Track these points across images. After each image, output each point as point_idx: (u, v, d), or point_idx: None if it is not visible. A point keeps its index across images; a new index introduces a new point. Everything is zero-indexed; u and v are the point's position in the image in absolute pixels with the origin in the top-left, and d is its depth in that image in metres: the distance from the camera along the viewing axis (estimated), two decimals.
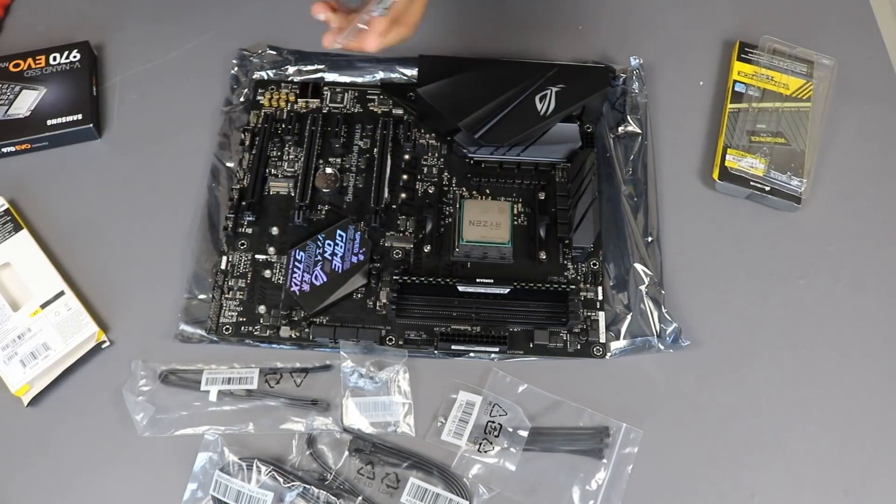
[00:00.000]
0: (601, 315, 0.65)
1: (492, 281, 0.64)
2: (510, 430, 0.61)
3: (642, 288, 0.65)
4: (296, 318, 0.64)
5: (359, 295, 0.65)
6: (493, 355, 0.64)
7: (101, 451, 0.60)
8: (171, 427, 0.60)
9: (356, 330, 0.63)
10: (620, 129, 0.72)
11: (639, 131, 0.72)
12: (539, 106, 0.68)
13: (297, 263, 0.65)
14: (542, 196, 0.69)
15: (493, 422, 0.61)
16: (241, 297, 0.65)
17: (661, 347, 0.64)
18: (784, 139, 0.71)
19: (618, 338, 0.64)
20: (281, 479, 0.58)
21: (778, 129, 0.71)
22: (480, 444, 0.60)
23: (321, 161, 0.71)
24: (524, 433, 0.60)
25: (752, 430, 0.62)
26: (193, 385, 0.62)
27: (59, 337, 0.62)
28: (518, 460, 0.60)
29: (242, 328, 0.64)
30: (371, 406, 0.61)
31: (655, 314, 0.65)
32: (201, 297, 0.65)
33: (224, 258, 0.66)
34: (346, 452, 0.60)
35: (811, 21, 0.79)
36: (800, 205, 0.69)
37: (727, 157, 0.70)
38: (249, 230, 0.68)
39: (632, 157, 0.71)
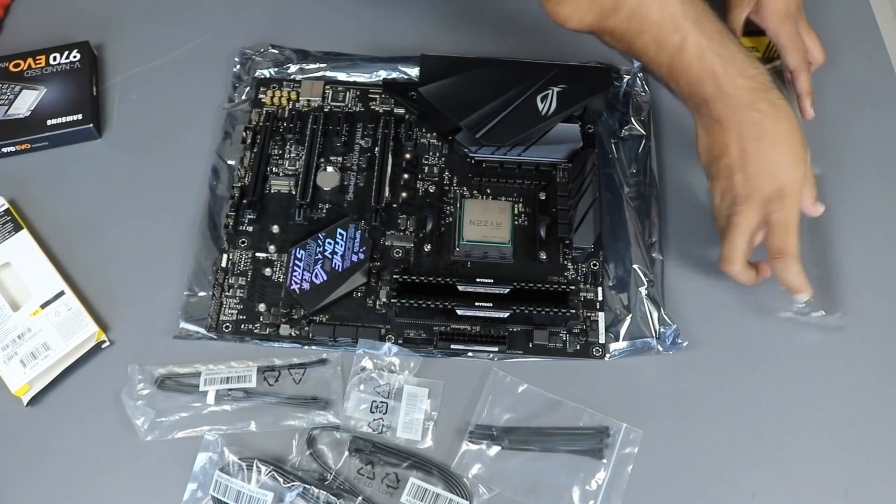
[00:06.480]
0: (601, 316, 0.65)
1: (492, 281, 0.64)
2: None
3: (642, 289, 0.65)
4: (295, 317, 0.64)
5: (359, 294, 0.65)
6: (492, 355, 0.64)
7: (100, 450, 0.60)
8: (172, 429, 0.60)
9: (355, 328, 0.63)
10: (623, 130, 0.72)
11: (642, 132, 0.72)
12: (540, 106, 0.68)
13: (297, 262, 0.65)
14: (542, 196, 0.69)
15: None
16: (241, 294, 0.65)
17: (661, 349, 0.64)
18: None
19: (617, 339, 0.64)
20: (281, 479, 0.58)
21: None
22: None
23: (322, 160, 0.71)
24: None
25: (752, 430, 0.62)
26: (191, 388, 0.61)
27: (59, 337, 0.62)
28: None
29: (242, 326, 0.64)
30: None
31: (655, 315, 0.64)
32: (201, 294, 0.65)
33: (224, 256, 0.66)
34: (346, 452, 0.60)
35: (811, 21, 0.79)
36: None
37: None
38: (250, 228, 0.68)
39: (634, 157, 0.71)
